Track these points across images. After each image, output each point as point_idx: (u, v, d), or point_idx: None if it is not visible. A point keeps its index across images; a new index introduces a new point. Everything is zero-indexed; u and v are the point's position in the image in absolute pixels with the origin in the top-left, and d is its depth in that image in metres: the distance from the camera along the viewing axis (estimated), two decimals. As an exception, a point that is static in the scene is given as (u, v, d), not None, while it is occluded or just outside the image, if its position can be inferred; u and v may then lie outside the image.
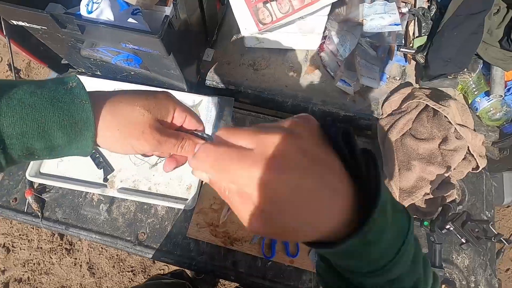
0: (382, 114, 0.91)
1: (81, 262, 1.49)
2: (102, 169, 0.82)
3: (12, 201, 0.83)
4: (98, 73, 0.94)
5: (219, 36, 1.03)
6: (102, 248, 1.51)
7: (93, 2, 0.64)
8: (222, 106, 0.88)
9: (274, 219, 0.23)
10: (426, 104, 0.83)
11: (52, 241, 1.52)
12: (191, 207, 0.79)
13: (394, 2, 1.01)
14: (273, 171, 0.22)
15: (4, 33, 0.80)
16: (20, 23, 0.70)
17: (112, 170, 0.83)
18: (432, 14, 0.96)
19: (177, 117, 0.34)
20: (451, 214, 0.67)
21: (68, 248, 1.51)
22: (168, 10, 0.82)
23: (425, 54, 0.87)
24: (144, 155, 0.36)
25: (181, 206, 0.78)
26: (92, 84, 0.91)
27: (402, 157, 0.80)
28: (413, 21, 1.01)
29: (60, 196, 0.83)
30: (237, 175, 0.23)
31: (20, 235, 1.53)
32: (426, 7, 1.02)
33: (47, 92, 0.27)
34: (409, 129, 0.84)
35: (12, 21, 0.70)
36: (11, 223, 1.55)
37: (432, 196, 0.76)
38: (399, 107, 0.89)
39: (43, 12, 0.61)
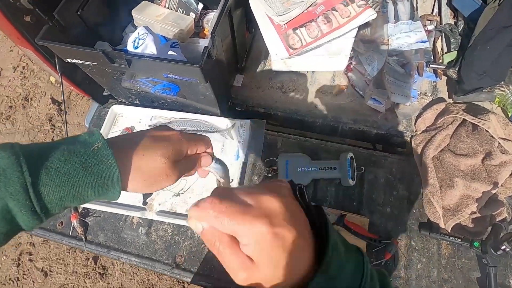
0: (416, 131, 0.90)
1: (113, 286, 1.51)
2: (141, 193, 0.85)
3: (59, 225, 0.88)
4: (137, 102, 1.00)
5: (248, 62, 1.08)
6: (133, 272, 1.53)
7: (139, 39, 0.70)
8: (255, 128, 0.90)
9: (262, 268, 0.26)
10: (464, 119, 0.81)
11: (87, 265, 1.56)
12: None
13: (419, 21, 1.03)
14: (269, 224, 0.26)
15: (58, 70, 0.89)
16: (74, 60, 0.77)
17: (151, 193, 0.86)
18: (460, 30, 0.96)
19: (190, 152, 0.40)
20: (505, 234, 0.63)
21: (102, 272, 1.54)
22: (204, 42, 0.88)
23: (457, 69, 0.86)
24: None
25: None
26: (131, 113, 0.97)
27: (442, 174, 0.78)
28: (440, 37, 1.01)
29: (102, 220, 0.87)
30: (239, 226, 0.27)
31: (57, 259, 1.58)
32: (453, 23, 1.02)
33: (78, 158, 0.31)
34: (447, 145, 0.81)
35: (67, 59, 0.78)
36: (49, 248, 1.61)
37: (479, 215, 0.72)
38: (434, 123, 0.88)
39: (96, 50, 0.68)
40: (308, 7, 0.80)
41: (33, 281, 1.54)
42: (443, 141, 0.81)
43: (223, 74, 0.91)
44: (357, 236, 0.76)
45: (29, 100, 2.02)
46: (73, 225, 0.86)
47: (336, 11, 0.78)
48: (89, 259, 1.56)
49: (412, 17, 1.06)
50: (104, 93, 1.12)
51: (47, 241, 1.62)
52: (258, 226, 0.26)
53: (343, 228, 0.77)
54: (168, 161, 0.36)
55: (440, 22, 1.04)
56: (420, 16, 1.07)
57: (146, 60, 0.67)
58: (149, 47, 0.71)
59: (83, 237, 0.85)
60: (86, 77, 0.98)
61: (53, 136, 1.88)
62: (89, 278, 1.53)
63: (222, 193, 0.29)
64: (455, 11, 1.04)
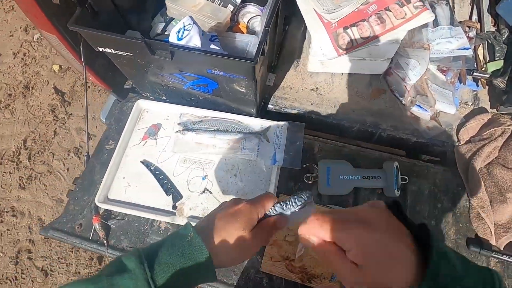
0: (458, 141, 0.87)
1: (118, 289, 1.44)
2: (171, 196, 0.79)
3: (77, 227, 0.81)
4: (164, 97, 0.94)
5: (280, 61, 1.03)
6: (140, 274, 1.46)
7: (184, 29, 0.64)
8: (292, 132, 0.85)
9: (366, 271, 0.30)
10: (513, 131, 0.78)
11: (91, 266, 1.48)
12: (264, 239, 0.74)
13: (460, 27, 0.99)
14: (368, 229, 0.30)
15: (82, 59, 0.81)
16: (107, 49, 0.71)
17: (181, 197, 0.80)
18: (504, 38, 0.93)
19: (260, 215, 0.44)
20: None
21: (107, 273, 1.46)
22: (243, 37, 0.83)
23: (506, 79, 0.83)
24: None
25: (254, 237, 0.74)
26: (158, 109, 0.90)
27: (492, 188, 0.74)
28: (481, 45, 0.98)
29: (126, 223, 0.81)
30: (341, 232, 0.31)
31: (58, 258, 1.50)
32: (494, 30, 0.99)
33: (179, 250, 0.39)
34: (496, 157, 0.78)
35: (99, 48, 0.71)
36: (50, 246, 1.53)
37: (533, 233, 0.69)
38: (478, 134, 0.84)
39: (138, 40, 0.61)
40: (359, 6, 0.76)
41: (32, 281, 1.46)
42: (491, 153, 0.78)
43: (263, 72, 0.85)
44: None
45: (30, 88, 1.91)
46: (94, 228, 0.79)
47: (390, 11, 0.74)
48: (93, 259, 1.49)
49: (452, 22, 1.03)
50: (125, 86, 1.05)
51: (47, 239, 1.53)
52: (359, 229, 0.31)
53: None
54: (246, 233, 0.41)
55: (481, 29, 1.01)
56: (460, 22, 1.04)
57: (194, 53, 0.61)
58: (194, 39, 0.65)
59: (105, 242, 0.78)
60: (108, 68, 0.91)
61: (56, 128, 1.78)
62: (93, 279, 1.45)
63: (323, 213, 0.34)
64: (496, 19, 1.01)
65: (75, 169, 1.68)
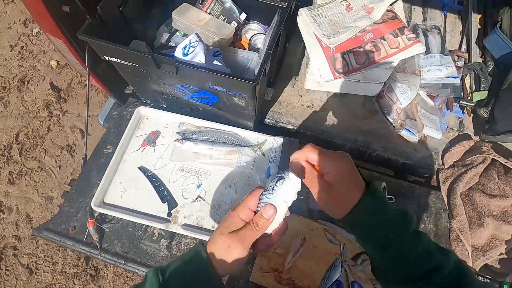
0: (443, 165, 0.91)
1: (104, 290, 1.44)
2: (166, 203, 0.81)
3: (71, 229, 0.82)
4: (164, 105, 0.96)
5: (278, 77, 1.06)
6: (127, 277, 1.46)
7: (190, 46, 0.67)
8: (287, 147, 0.88)
9: (337, 189, 0.42)
10: (493, 159, 0.83)
11: (77, 265, 1.47)
12: (255, 250, 0.77)
13: (449, 56, 1.05)
14: (347, 162, 0.44)
15: (86, 65, 0.83)
16: (113, 59, 0.73)
17: (176, 204, 0.82)
18: (490, 70, 0.99)
19: (245, 215, 0.45)
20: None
21: (93, 274, 1.46)
22: (245, 53, 0.86)
23: (489, 109, 0.89)
24: (260, 252, 0.52)
25: (245, 248, 0.76)
26: (158, 116, 0.92)
27: (471, 212, 0.79)
28: (468, 74, 1.04)
29: (120, 228, 0.82)
30: (326, 160, 0.44)
31: (45, 256, 1.49)
32: (481, 61, 1.05)
33: (191, 275, 0.43)
34: (476, 183, 0.83)
35: (105, 57, 0.73)
36: (37, 243, 1.51)
37: (506, 257, 0.74)
38: (461, 159, 0.90)
39: (145, 54, 0.64)
40: (357, 33, 0.80)
41: (16, 278, 1.44)
42: (472, 179, 0.83)
43: (263, 88, 0.89)
44: (386, 267, 0.76)
45: (26, 83, 1.90)
46: (88, 231, 0.80)
47: (385, 40, 0.79)
48: (80, 258, 1.48)
49: (443, 51, 1.09)
50: (126, 91, 1.07)
51: (35, 236, 1.52)
52: (338, 160, 0.44)
53: (372, 258, 0.77)
54: (223, 236, 0.44)
55: (469, 60, 1.07)
56: (450, 51, 1.10)
57: (198, 70, 0.64)
58: (198, 56, 0.68)
59: (98, 245, 0.79)
60: (111, 74, 0.93)
61: (50, 124, 1.77)
62: (79, 279, 1.45)
63: (311, 149, 0.45)
64: (483, 50, 1.07)
65: (67, 167, 1.67)
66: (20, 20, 2.10)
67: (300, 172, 0.44)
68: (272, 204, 0.43)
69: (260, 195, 0.44)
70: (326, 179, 0.43)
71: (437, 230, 0.82)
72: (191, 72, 0.67)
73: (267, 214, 0.43)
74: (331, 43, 0.78)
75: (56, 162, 1.68)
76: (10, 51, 2.00)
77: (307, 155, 0.44)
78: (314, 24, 0.79)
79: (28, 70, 1.94)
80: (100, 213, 0.83)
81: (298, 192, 0.43)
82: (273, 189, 0.43)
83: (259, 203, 0.44)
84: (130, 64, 0.73)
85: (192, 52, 0.67)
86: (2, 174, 1.63)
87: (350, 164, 0.44)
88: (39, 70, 1.94)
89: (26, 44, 2.03)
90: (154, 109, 0.93)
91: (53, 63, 1.96)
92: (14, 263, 1.46)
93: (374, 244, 0.43)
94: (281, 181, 0.42)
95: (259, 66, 0.64)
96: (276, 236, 0.45)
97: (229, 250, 0.43)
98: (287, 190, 0.42)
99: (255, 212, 0.44)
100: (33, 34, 2.07)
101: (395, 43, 0.78)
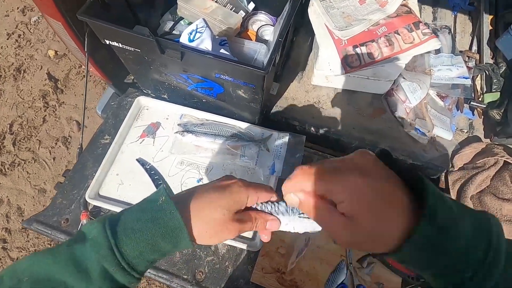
0: (452, 166, 0.89)
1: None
2: (165, 198, 0.77)
3: (63, 222, 0.78)
4: (165, 96, 0.92)
5: (284, 71, 1.03)
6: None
7: (196, 31, 0.63)
8: (293, 144, 0.85)
9: (362, 221, 0.27)
10: (505, 162, 0.81)
11: (69, 261, 1.42)
12: (257, 249, 0.73)
13: (460, 56, 1.03)
14: (362, 175, 0.28)
15: (85, 50, 0.79)
16: (114, 43, 0.69)
17: (175, 199, 0.78)
18: (502, 71, 0.97)
19: (251, 200, 0.39)
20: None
21: (85, 270, 1.41)
22: (252, 44, 0.82)
23: (501, 110, 0.86)
24: None
25: (246, 246, 0.73)
26: (158, 107, 0.89)
27: (482, 216, 0.76)
28: (479, 75, 1.02)
29: (115, 222, 0.78)
30: (332, 183, 0.29)
31: (36, 250, 1.44)
32: (492, 62, 1.03)
33: (147, 214, 0.34)
34: (487, 186, 0.80)
35: (106, 40, 0.69)
36: (27, 237, 1.46)
37: (519, 263, 0.71)
38: (471, 162, 0.87)
39: (149, 37, 0.60)
40: (370, 26, 0.77)
41: (4, 273, 1.39)
42: (483, 182, 0.80)
43: (270, 81, 0.85)
44: (393, 271, 0.73)
45: (22, 72, 1.85)
46: (81, 224, 0.76)
47: (399, 34, 0.76)
48: (72, 254, 1.43)
49: (453, 51, 1.06)
50: (125, 81, 1.03)
51: (25, 229, 1.47)
52: (351, 178, 0.28)
53: (379, 261, 0.74)
54: (228, 213, 0.37)
55: (480, 61, 1.04)
56: (460, 51, 1.07)
57: (205, 56, 0.61)
58: (205, 42, 0.65)
59: (91, 240, 0.75)
60: (110, 61, 0.89)
61: (45, 115, 1.72)
62: (70, 275, 1.40)
63: (309, 164, 0.31)
64: (494, 52, 1.05)
65: (62, 159, 1.62)
66: (18, 8, 2.05)
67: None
68: (279, 220, 0.40)
69: (273, 202, 0.40)
70: (342, 210, 0.28)
71: (446, 234, 0.79)
72: (197, 58, 0.63)
73: (272, 227, 0.39)
74: (343, 35, 0.74)
75: (50, 154, 1.63)
76: (7, 39, 1.94)
77: (302, 186, 0.30)
78: (326, 15, 0.76)
79: (25, 59, 1.89)
80: (95, 206, 0.79)
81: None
82: (294, 213, 0.39)
83: (270, 203, 0.41)
84: (132, 49, 0.69)
85: (198, 38, 0.64)
86: (-6, 164, 1.58)
87: (371, 179, 0.28)
88: (36, 59, 1.89)
89: (23, 32, 1.98)
90: (155, 100, 0.90)
91: (51, 53, 1.91)
92: (3, 256, 1.41)
93: (440, 283, 0.28)
94: (306, 217, 0.38)
95: (269, 55, 0.60)
96: (263, 233, 0.41)
97: (224, 230, 0.37)
98: (303, 226, 0.39)
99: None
100: (31, 22, 2.01)
101: (410, 37, 0.75)
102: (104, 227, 0.33)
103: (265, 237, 0.41)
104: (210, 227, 0.36)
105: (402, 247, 0.26)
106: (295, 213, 0.39)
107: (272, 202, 0.40)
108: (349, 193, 0.28)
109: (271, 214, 0.40)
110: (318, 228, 0.38)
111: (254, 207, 0.40)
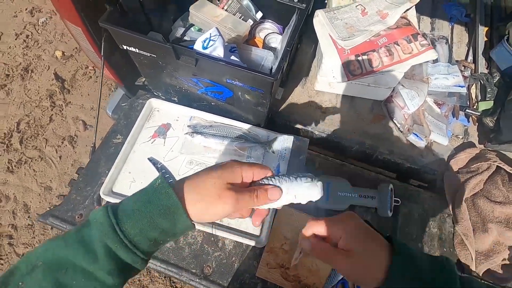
0: (448, 171, 0.93)
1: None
2: (175, 195, 0.81)
3: (78, 217, 0.82)
4: (175, 98, 0.97)
5: (289, 77, 1.08)
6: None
7: (210, 39, 0.68)
8: (296, 146, 0.89)
9: (357, 252, 0.38)
10: (497, 167, 0.85)
11: (73, 258, 1.45)
12: (262, 245, 0.77)
13: (456, 65, 1.08)
14: (355, 220, 0.41)
15: (101, 54, 0.84)
16: (131, 48, 0.73)
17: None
18: (495, 81, 1.02)
19: (246, 176, 0.41)
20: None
21: (89, 267, 1.44)
22: (259, 51, 0.87)
23: (495, 118, 0.91)
24: (230, 218, 0.44)
25: (252, 243, 0.77)
26: (169, 109, 0.93)
27: (475, 217, 0.81)
28: (474, 84, 1.07)
29: (127, 218, 0.82)
30: (333, 226, 0.41)
31: (41, 247, 1.47)
32: (487, 72, 1.08)
33: (145, 196, 0.38)
34: (481, 190, 0.85)
35: (124, 45, 0.73)
36: (33, 233, 1.49)
37: (509, 262, 0.76)
38: (466, 166, 0.91)
39: (167, 44, 0.65)
40: (371, 37, 0.82)
41: (10, 268, 1.42)
42: (477, 186, 0.84)
43: (277, 86, 0.90)
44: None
45: (30, 71, 1.89)
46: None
47: (398, 45, 0.80)
48: (77, 251, 1.46)
49: (450, 60, 1.12)
50: (136, 83, 1.07)
51: (31, 225, 1.50)
52: (346, 221, 0.40)
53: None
54: (219, 181, 0.39)
55: (475, 70, 1.09)
56: (456, 61, 1.12)
57: (218, 63, 0.65)
58: (218, 50, 0.69)
59: (104, 234, 0.79)
60: (124, 64, 0.93)
61: (52, 114, 1.76)
62: (74, 271, 1.43)
63: (316, 225, 0.42)
64: (489, 62, 1.10)
65: (68, 158, 1.66)
66: (26, 9, 2.09)
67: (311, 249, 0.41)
68: (280, 189, 0.41)
69: (271, 176, 0.42)
70: (341, 246, 0.39)
71: (442, 234, 0.84)
72: (210, 65, 0.67)
73: (273, 196, 0.41)
74: (346, 45, 0.79)
75: (56, 152, 1.67)
76: (15, 39, 1.98)
77: (313, 230, 0.41)
78: (330, 26, 0.81)
79: (33, 59, 1.92)
80: (107, 202, 0.82)
81: (308, 202, 0.43)
82: (295, 178, 0.42)
83: (266, 178, 0.42)
84: (148, 54, 0.73)
85: (212, 45, 0.68)
86: (1, 162, 1.61)
87: (360, 221, 0.40)
88: (43, 59, 1.93)
89: (31, 33, 2.02)
90: (166, 102, 0.94)
91: (58, 54, 1.95)
92: (9, 252, 1.44)
93: None
94: (308, 180, 0.42)
95: (277, 63, 0.65)
96: (256, 217, 0.44)
97: (218, 200, 0.38)
98: (304, 191, 0.41)
99: (251, 184, 0.42)
100: (39, 23, 2.05)
101: (408, 48, 0.80)
102: (107, 210, 0.36)
103: (257, 223, 0.45)
104: (203, 198, 0.38)
105: (388, 278, 0.36)
106: (296, 181, 0.41)
107: (268, 177, 0.42)
108: (345, 231, 0.39)
109: (274, 184, 0.41)
110: (318, 195, 0.42)
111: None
